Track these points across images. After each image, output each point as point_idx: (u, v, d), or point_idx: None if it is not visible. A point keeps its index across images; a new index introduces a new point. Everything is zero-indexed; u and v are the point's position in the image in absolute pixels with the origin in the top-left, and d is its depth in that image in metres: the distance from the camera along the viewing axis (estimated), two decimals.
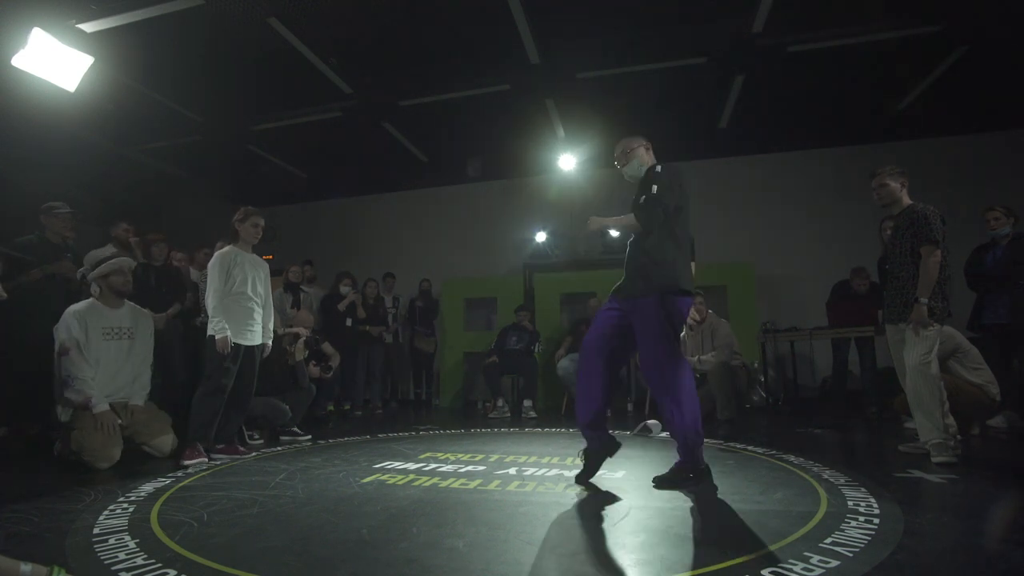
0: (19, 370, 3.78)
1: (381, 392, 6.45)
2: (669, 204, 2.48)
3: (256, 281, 3.56)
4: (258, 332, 3.56)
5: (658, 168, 2.60)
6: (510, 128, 6.26)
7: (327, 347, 5.04)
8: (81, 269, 3.86)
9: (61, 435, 3.31)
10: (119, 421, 3.21)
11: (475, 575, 1.50)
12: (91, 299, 3.44)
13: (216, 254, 3.49)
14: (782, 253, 6.58)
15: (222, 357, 3.30)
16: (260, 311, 3.58)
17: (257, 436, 4.05)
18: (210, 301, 3.37)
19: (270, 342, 3.69)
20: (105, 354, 3.33)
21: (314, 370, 4.73)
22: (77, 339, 3.21)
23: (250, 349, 3.50)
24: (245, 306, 3.47)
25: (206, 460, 3.20)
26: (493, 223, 7.56)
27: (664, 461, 2.71)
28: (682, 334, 4.52)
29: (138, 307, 3.61)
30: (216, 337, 3.29)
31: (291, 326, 4.69)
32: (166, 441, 3.37)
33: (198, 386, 3.38)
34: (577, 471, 2.60)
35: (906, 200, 3.08)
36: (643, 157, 2.72)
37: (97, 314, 3.36)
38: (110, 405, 3.23)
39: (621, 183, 2.96)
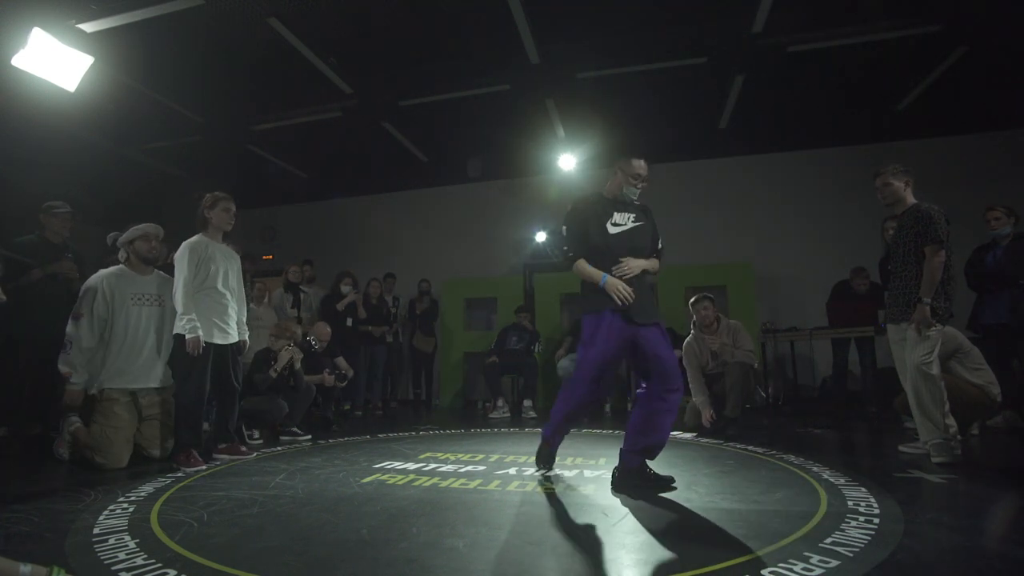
0: (20, 370, 3.77)
1: (381, 392, 6.45)
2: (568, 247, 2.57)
3: (229, 274, 3.34)
4: (234, 330, 3.36)
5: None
6: (510, 128, 6.26)
7: (341, 362, 5.03)
8: (112, 234, 3.86)
9: (62, 432, 3.30)
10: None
11: (475, 575, 1.50)
12: (120, 265, 3.42)
13: (184, 243, 3.24)
14: (782, 253, 6.58)
15: (193, 359, 3.09)
16: (234, 306, 3.37)
17: (257, 436, 4.05)
18: (179, 296, 3.13)
19: (247, 338, 3.50)
20: (135, 320, 3.29)
21: (328, 378, 4.73)
22: (96, 308, 3.20)
23: (225, 348, 3.30)
24: (218, 302, 3.24)
25: (204, 467, 3.05)
26: (493, 223, 7.56)
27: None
28: (688, 338, 4.41)
29: (167, 276, 3.46)
30: (187, 337, 3.07)
31: (306, 334, 4.69)
32: (157, 450, 3.29)
33: (176, 395, 3.23)
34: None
35: (910, 199, 3.06)
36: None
37: (126, 280, 3.34)
38: (131, 394, 3.24)
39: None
